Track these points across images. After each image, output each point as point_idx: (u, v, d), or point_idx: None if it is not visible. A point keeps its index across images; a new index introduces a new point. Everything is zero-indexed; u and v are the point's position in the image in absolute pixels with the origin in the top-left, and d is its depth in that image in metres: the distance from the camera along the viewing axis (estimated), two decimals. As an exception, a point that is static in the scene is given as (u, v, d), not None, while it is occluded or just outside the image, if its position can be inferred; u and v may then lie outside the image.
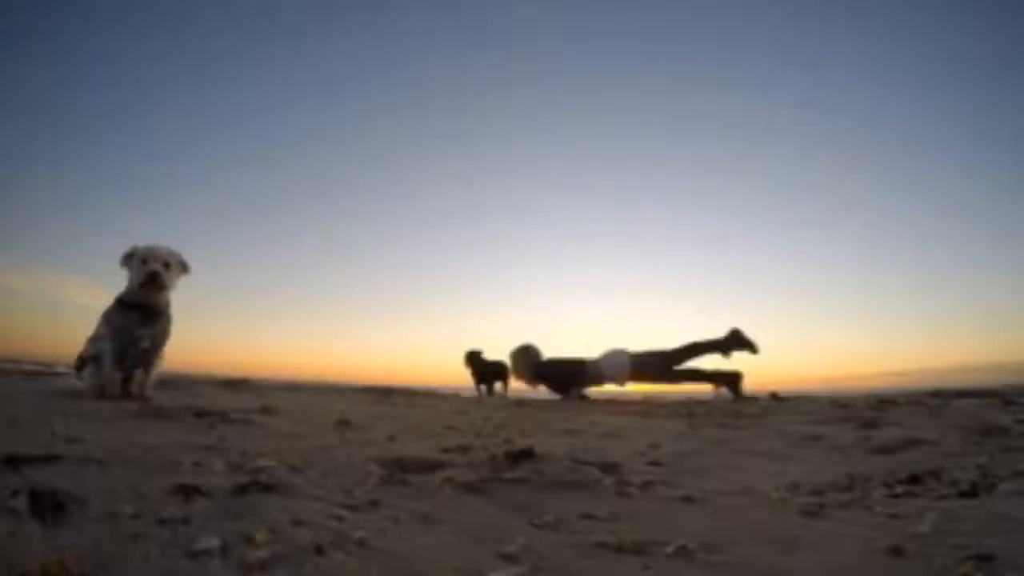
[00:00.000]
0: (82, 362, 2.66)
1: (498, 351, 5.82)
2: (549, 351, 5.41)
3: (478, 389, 5.77)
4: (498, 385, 5.82)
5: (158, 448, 1.32)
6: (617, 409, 3.70)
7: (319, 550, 0.73)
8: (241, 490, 0.94)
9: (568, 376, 5.14)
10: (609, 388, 5.19)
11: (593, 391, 5.19)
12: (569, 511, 1.03)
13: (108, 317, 2.59)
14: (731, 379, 4.76)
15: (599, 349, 5.24)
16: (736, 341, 4.80)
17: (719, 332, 4.95)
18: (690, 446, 1.95)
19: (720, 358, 4.90)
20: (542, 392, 5.34)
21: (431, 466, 1.36)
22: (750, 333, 4.85)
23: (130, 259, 2.60)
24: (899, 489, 1.19)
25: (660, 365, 4.94)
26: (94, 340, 2.62)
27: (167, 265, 2.57)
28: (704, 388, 4.94)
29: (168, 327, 2.66)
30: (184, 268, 2.68)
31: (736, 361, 4.88)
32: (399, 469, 1.30)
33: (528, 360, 5.33)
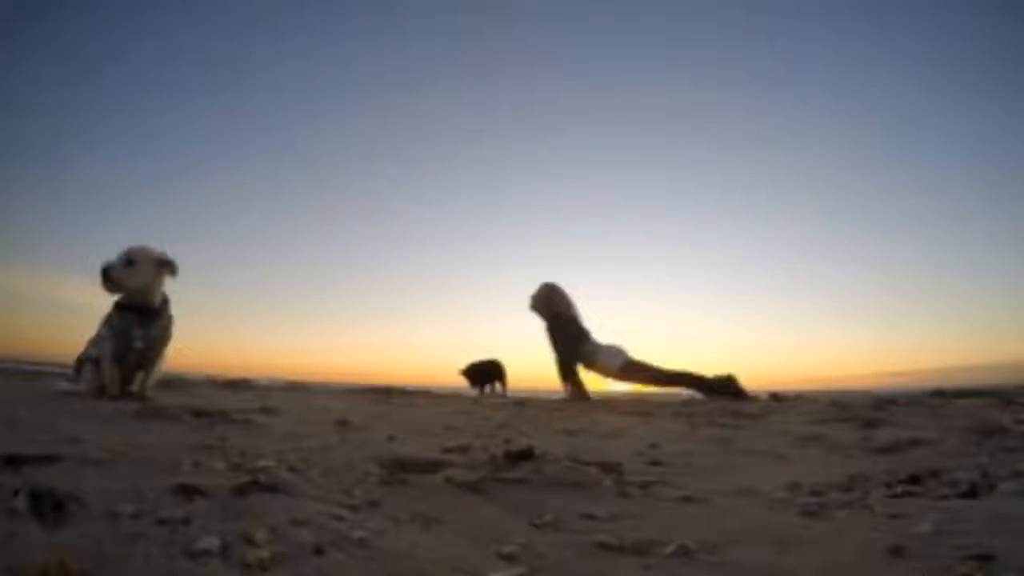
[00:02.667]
0: (80, 364, 2.67)
1: (498, 352, 5.84)
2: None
3: (480, 391, 5.80)
4: (497, 385, 5.84)
5: (158, 448, 1.32)
6: (617, 409, 3.70)
7: (319, 550, 0.73)
8: (241, 490, 0.94)
9: (571, 336, 5.20)
10: (608, 387, 5.22)
11: (590, 390, 5.22)
12: (569, 511, 1.03)
13: (108, 319, 2.60)
14: (726, 388, 4.75)
15: (603, 339, 5.30)
16: (727, 390, 4.72)
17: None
18: (690, 446, 1.95)
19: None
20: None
21: (431, 466, 1.36)
22: (742, 382, 4.84)
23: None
24: (899, 489, 1.19)
25: (650, 377, 5.09)
26: (95, 343, 2.63)
27: (131, 262, 2.49)
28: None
29: (169, 328, 2.66)
30: (164, 266, 2.58)
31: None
32: (399, 469, 1.30)
33: (554, 297, 5.38)
